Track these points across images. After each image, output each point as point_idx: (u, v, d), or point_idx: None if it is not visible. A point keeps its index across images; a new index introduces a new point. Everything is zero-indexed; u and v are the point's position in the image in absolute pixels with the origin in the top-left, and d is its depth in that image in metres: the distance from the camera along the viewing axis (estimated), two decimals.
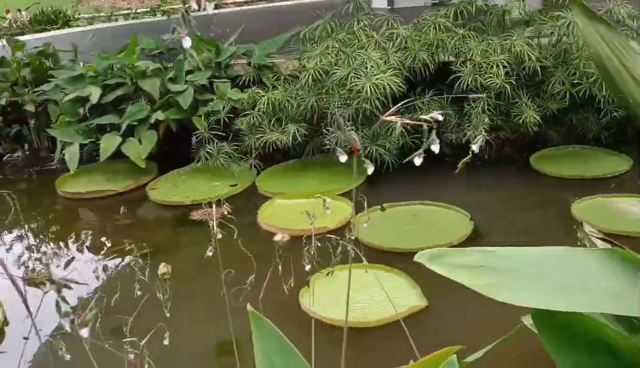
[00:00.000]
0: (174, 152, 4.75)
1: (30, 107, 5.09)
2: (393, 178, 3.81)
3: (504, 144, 3.86)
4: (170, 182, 4.36)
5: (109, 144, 4.32)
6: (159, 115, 4.37)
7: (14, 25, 18.63)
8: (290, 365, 0.84)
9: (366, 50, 3.80)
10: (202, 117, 4.34)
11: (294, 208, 3.63)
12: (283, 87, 4.12)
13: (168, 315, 1.59)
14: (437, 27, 3.86)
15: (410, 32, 3.88)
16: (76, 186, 4.38)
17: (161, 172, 4.52)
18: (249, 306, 0.95)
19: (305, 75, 3.92)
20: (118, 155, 4.39)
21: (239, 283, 2.10)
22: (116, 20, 15.42)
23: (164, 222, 3.83)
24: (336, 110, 3.77)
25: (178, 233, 3.56)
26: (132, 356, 1.05)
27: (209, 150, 4.22)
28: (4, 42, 5.79)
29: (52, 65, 5.44)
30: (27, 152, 5.23)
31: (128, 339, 1.00)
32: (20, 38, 6.44)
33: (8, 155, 5.19)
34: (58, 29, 14.22)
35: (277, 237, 3.24)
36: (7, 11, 21.76)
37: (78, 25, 15.68)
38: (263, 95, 4.08)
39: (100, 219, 4.01)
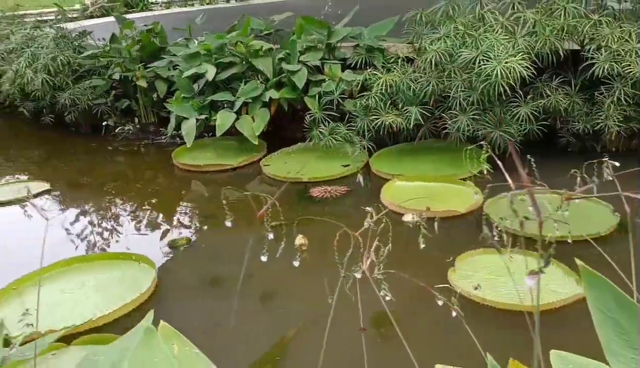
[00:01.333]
0: (279, 131, 4.85)
1: (142, 83, 5.28)
2: (515, 166, 3.74)
3: (633, 136, 3.73)
4: (281, 160, 4.44)
5: (224, 120, 4.44)
6: (273, 93, 4.46)
7: (95, 7, 19.33)
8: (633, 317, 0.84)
9: (492, 33, 3.74)
10: (315, 97, 4.39)
11: (416, 190, 3.63)
12: (400, 69, 4.11)
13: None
14: (566, 12, 3.74)
15: (540, 16, 3.79)
16: (191, 159, 4.53)
17: (269, 150, 4.62)
18: (578, 260, 0.96)
19: (425, 58, 3.90)
20: (226, 131, 4.53)
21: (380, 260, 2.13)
22: (192, 5, 15.78)
23: (285, 197, 3.91)
24: (459, 93, 3.74)
25: (301, 209, 3.62)
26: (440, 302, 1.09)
27: (321, 130, 4.28)
28: (113, 19, 6.05)
29: (159, 44, 5.63)
30: (138, 126, 5.44)
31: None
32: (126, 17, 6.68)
33: (120, 128, 5.41)
34: (138, 11, 14.65)
35: (407, 218, 3.24)
36: None
37: (153, 10, 16.09)
38: (380, 77, 4.08)
39: (222, 191, 4.14)
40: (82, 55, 5.63)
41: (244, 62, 4.72)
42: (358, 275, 1.26)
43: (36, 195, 4.09)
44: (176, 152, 4.67)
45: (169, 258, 3.07)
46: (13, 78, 5.73)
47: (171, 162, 4.63)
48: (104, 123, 5.50)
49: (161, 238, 3.34)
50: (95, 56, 5.70)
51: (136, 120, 5.51)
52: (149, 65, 5.38)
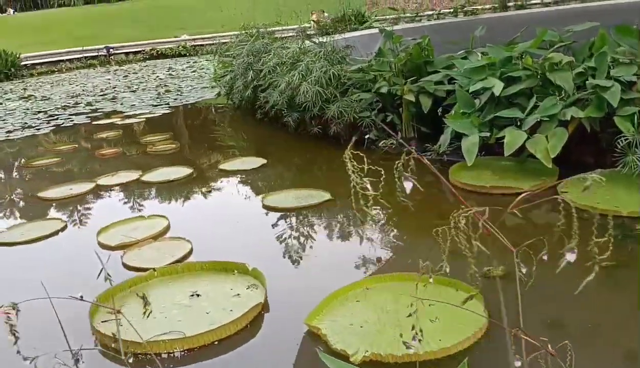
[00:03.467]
0: (566, 154, 4.27)
1: (410, 97, 5.14)
2: None
3: None
4: (579, 187, 3.86)
5: (514, 138, 4.03)
6: (575, 111, 3.92)
7: (318, 25, 20.62)
8: None
9: None
10: (628, 118, 3.75)
11: None
12: None
13: None
14: None
15: None
16: (471, 178, 4.20)
17: (561, 175, 4.08)
18: None
19: None
20: (492, 151, 4.24)
21: None
22: (420, 20, 15.80)
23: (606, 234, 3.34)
24: None
25: (629, 247, 3.03)
26: None
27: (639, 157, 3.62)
28: (378, 33, 6.06)
29: (427, 57, 5.46)
30: (401, 140, 5.30)
31: None
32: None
33: (383, 141, 5.34)
34: (361, 29, 15.12)
35: None
36: (312, 12, 24.32)
37: (372, 27, 16.53)
38: None
39: (522, 219, 3.74)
40: (351, 68, 5.72)
41: (537, 76, 4.26)
42: None
43: (321, 204, 4.13)
44: (453, 169, 4.38)
45: (488, 290, 2.72)
46: (283, 89, 6.05)
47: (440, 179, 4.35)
48: (366, 136, 5.48)
49: (470, 265, 3.02)
50: (361, 70, 5.75)
51: (398, 134, 5.38)
52: (414, 79, 5.26)
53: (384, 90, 5.38)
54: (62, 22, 30.32)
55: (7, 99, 12.80)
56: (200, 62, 18.22)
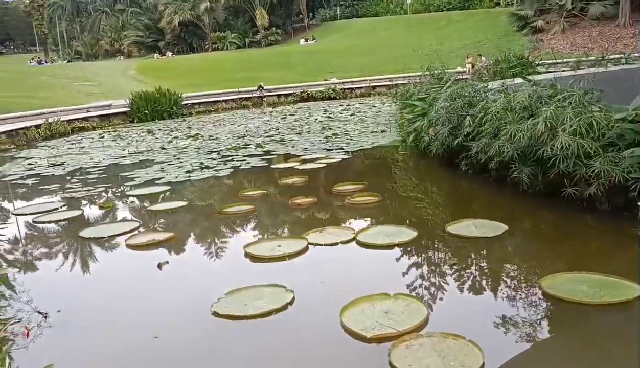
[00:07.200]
0: None
1: None
2: None
3: None
4: None
5: None
6: None
7: (473, 69, 19.37)
8: None
9: None
10: None
11: None
12: None
13: None
14: None
15: None
16: None
17: None
18: None
19: None
20: None
21: None
22: (606, 65, 14.09)
23: None
24: None
25: None
26: None
27: None
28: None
29: None
30: None
31: None
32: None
33: None
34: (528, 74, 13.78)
35: None
36: (468, 55, 23.09)
37: (539, 72, 15.09)
38: None
39: None
40: (615, 116, 4.59)
41: None
42: None
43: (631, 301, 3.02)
44: None
45: None
46: (519, 138, 5.05)
47: None
48: None
49: None
50: (626, 118, 4.60)
51: None
52: None
53: None
54: (216, 65, 32.23)
55: (175, 137, 13.16)
56: (354, 105, 17.87)
